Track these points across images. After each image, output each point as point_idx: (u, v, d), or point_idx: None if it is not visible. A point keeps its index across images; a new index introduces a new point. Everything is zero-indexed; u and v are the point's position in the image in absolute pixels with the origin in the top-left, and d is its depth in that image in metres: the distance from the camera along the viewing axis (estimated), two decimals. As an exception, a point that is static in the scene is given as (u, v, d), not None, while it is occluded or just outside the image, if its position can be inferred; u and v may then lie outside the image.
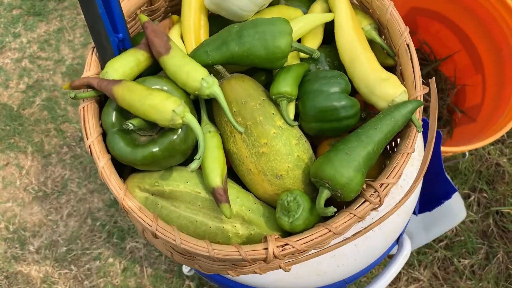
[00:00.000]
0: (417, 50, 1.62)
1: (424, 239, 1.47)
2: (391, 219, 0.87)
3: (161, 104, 0.56)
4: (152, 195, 0.64)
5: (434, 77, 0.71)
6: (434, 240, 1.55)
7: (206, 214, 0.63)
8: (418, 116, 0.64)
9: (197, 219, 0.63)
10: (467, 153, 1.33)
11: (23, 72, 1.83)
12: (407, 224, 0.95)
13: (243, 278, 0.87)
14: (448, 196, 1.05)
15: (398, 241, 0.99)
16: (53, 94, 1.80)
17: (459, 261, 1.53)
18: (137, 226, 0.69)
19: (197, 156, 0.55)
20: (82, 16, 1.90)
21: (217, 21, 0.74)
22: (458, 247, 1.55)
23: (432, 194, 1.09)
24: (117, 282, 1.57)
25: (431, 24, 1.52)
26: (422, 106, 0.64)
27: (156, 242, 0.68)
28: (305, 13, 0.76)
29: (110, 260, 1.60)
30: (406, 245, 1.00)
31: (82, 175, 1.69)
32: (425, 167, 0.73)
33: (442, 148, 1.21)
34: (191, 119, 0.57)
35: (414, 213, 1.03)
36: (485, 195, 1.58)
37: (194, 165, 0.55)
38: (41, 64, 1.84)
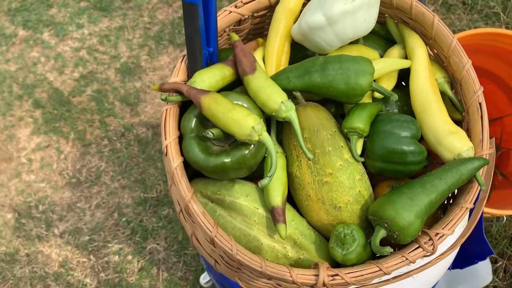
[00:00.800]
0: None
1: (444, 295, 1.45)
2: (429, 270, 0.87)
3: (243, 120, 0.59)
4: (211, 202, 0.66)
5: (494, 138, 0.72)
6: (454, 299, 1.52)
7: (260, 230, 0.65)
8: (482, 174, 0.65)
9: (250, 233, 0.65)
10: (504, 218, 1.32)
11: (79, 62, 1.90)
12: (440, 278, 0.95)
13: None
14: (483, 257, 1.04)
15: (427, 292, 0.99)
16: (103, 87, 1.86)
17: (477, 328, 1.50)
18: (187, 229, 0.72)
19: (268, 174, 0.58)
20: (144, 18, 1.98)
21: (297, 49, 0.77)
22: (478, 314, 1.52)
23: (467, 252, 1.08)
24: (131, 280, 1.59)
25: (484, 83, 1.52)
26: (487, 165, 0.66)
27: (204, 248, 0.70)
28: (381, 55, 0.79)
29: (129, 257, 1.62)
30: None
31: (117, 169, 1.73)
32: (474, 224, 0.73)
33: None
34: (267, 138, 0.60)
35: (448, 268, 1.03)
36: (512, 263, 1.55)
37: (265, 181, 0.57)
38: (98, 56, 1.91)
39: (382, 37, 0.82)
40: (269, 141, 0.60)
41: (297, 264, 0.66)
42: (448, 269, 0.97)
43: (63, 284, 1.61)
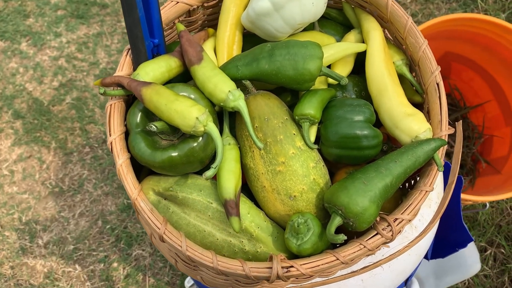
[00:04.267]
0: (447, 95, 1.61)
1: (434, 286, 1.42)
2: (402, 259, 0.85)
3: (186, 110, 0.57)
4: (165, 199, 0.64)
5: (460, 120, 0.70)
6: (444, 290, 1.50)
7: (215, 225, 0.63)
8: (440, 155, 0.63)
9: (205, 229, 0.63)
10: (487, 204, 1.30)
11: (58, 70, 1.88)
12: (417, 267, 0.93)
13: (244, 298, 0.85)
14: (463, 244, 1.02)
15: (406, 283, 0.96)
16: (83, 94, 1.84)
17: (469, 317, 1.48)
18: (145, 229, 0.70)
19: (213, 165, 0.56)
20: (122, 23, 1.96)
21: (251, 40, 0.75)
22: (469, 302, 1.49)
23: (447, 241, 1.06)
24: (118, 287, 1.57)
25: (464, 71, 1.51)
26: (445, 146, 0.63)
27: (162, 247, 0.68)
28: (338, 41, 0.77)
29: (115, 264, 1.60)
30: (414, 288, 0.97)
31: (100, 176, 1.71)
32: (443, 209, 0.71)
33: (463, 196, 1.18)
34: (212, 128, 0.58)
35: (426, 257, 1.00)
36: (502, 250, 1.53)
37: (209, 173, 0.55)
38: (76, 64, 1.90)
39: (340, 23, 0.80)
40: (215, 131, 0.58)
41: (255, 258, 0.64)
42: (426, 258, 0.95)
43: (49, 295, 1.59)
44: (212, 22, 0.79)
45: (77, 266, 1.59)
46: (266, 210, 0.66)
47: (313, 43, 0.63)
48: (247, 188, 0.69)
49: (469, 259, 1.35)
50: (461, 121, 0.70)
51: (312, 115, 0.63)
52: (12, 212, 1.66)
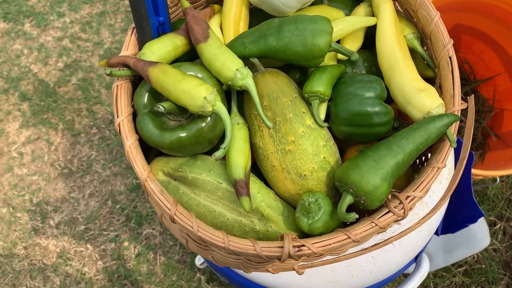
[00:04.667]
0: (457, 69, 1.58)
1: (443, 261, 1.43)
2: (412, 236, 0.85)
3: (194, 90, 0.56)
4: (174, 180, 0.64)
5: (472, 95, 0.69)
6: (453, 264, 1.50)
7: (225, 205, 0.63)
8: (453, 131, 0.62)
9: (216, 209, 0.62)
10: (498, 179, 1.29)
11: (63, 51, 1.87)
12: (427, 243, 0.92)
13: (255, 276, 0.86)
14: (473, 220, 1.02)
15: (417, 259, 0.97)
16: (88, 75, 1.83)
17: (477, 290, 1.48)
18: (156, 210, 0.69)
19: (222, 145, 0.55)
20: (125, 2, 1.94)
21: (258, 15, 0.73)
22: (478, 275, 1.50)
23: (457, 216, 1.05)
24: (129, 266, 1.59)
25: (475, 43, 1.48)
26: (458, 122, 0.62)
27: (173, 228, 0.68)
28: (347, 15, 0.75)
29: (126, 243, 1.62)
30: (424, 264, 0.97)
31: (108, 157, 1.72)
32: (454, 186, 0.70)
33: (473, 171, 1.17)
34: (221, 108, 0.57)
35: (436, 233, 1.00)
36: (512, 224, 1.52)
37: (218, 153, 0.54)
38: (81, 44, 1.88)
39: (349, -4, 0.78)
40: (224, 111, 0.57)
41: (266, 237, 0.64)
42: (436, 234, 0.95)
43: (62, 274, 1.61)
44: (217, -2, 0.77)
45: (88, 245, 1.61)
46: (276, 189, 0.65)
47: (322, 17, 0.62)
48: (256, 168, 0.69)
49: (478, 234, 1.35)
50: (472, 95, 0.69)
51: (322, 93, 0.62)
52: (23, 193, 1.68)
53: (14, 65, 1.86)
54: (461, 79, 1.56)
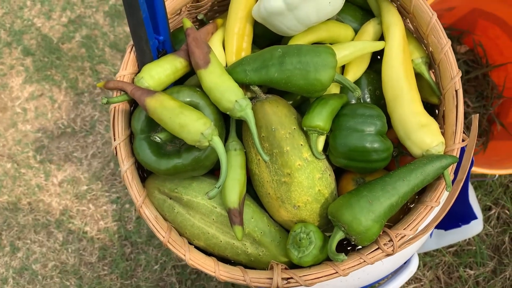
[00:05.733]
0: (470, 51, 1.54)
1: (435, 244, 1.46)
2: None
3: (191, 125, 0.55)
4: (170, 198, 0.65)
5: (477, 114, 0.67)
6: (443, 245, 1.54)
7: (218, 228, 0.64)
8: (450, 172, 0.62)
9: (209, 232, 0.64)
10: (496, 175, 1.29)
11: (67, 5, 1.82)
12: (419, 246, 0.95)
13: None
14: (467, 221, 1.03)
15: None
16: (93, 32, 1.79)
17: (465, 271, 1.53)
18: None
19: (217, 185, 0.55)
20: (132, -46, 1.85)
21: (261, 27, 0.70)
22: (467, 256, 1.54)
23: (451, 214, 1.07)
24: (130, 228, 1.64)
25: (491, 28, 1.42)
26: (456, 163, 0.62)
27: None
28: (356, 30, 0.72)
29: (127, 205, 1.66)
30: (413, 262, 1.00)
31: (111, 119, 1.71)
32: (448, 208, 0.71)
33: (473, 169, 1.17)
34: (217, 143, 0.57)
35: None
36: (507, 211, 1.55)
37: (212, 193, 0.55)
38: (85, -1, 1.82)
39: (360, 6, 0.74)
40: (220, 147, 0.56)
41: (257, 260, 0.66)
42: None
43: (65, 231, 1.66)
44: (221, 5, 0.73)
45: (90, 205, 1.65)
46: (270, 213, 0.67)
47: (327, 50, 0.59)
48: (252, 189, 0.69)
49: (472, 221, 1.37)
50: (477, 114, 0.68)
51: (321, 127, 0.61)
52: (27, 150, 1.70)
53: (17, 17, 1.81)
54: (473, 62, 1.52)
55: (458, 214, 1.08)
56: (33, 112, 1.73)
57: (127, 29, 1.76)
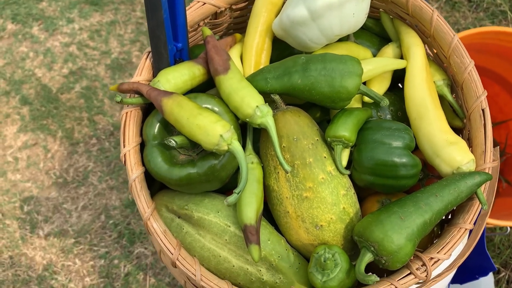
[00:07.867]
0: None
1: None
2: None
3: (210, 126, 0.51)
4: (178, 217, 0.59)
5: (498, 147, 0.65)
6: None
7: (231, 250, 0.58)
8: (483, 190, 0.58)
9: (221, 254, 0.58)
10: (508, 228, 1.24)
11: (69, 57, 1.83)
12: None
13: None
14: (485, 273, 0.97)
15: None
16: (93, 84, 1.79)
17: None
18: (156, 247, 0.64)
19: (236, 190, 0.50)
20: (137, 13, 1.91)
21: (279, 47, 0.69)
22: (479, 323, 1.44)
23: (467, 267, 1.00)
24: (117, 285, 1.53)
25: (490, 85, 1.45)
26: (489, 181, 0.58)
27: (172, 268, 0.63)
28: (374, 54, 0.71)
29: (116, 261, 1.56)
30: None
31: (105, 169, 1.66)
32: (475, 242, 0.66)
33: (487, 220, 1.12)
34: (237, 148, 0.52)
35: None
36: (517, 274, 1.47)
37: (231, 198, 0.50)
38: (88, 52, 1.84)
39: (376, 34, 0.74)
40: (240, 151, 0.52)
41: (273, 289, 0.59)
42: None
43: (47, 288, 1.54)
44: (238, 25, 0.73)
45: (77, 260, 1.55)
46: (287, 237, 0.61)
47: (352, 58, 0.58)
48: (266, 209, 0.64)
49: (483, 283, 1.30)
50: (498, 147, 0.65)
51: (347, 138, 0.57)
52: (14, 200, 1.62)
53: (18, 67, 1.82)
54: (474, 120, 1.53)
55: (474, 266, 1.02)
56: (24, 161, 1.68)
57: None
